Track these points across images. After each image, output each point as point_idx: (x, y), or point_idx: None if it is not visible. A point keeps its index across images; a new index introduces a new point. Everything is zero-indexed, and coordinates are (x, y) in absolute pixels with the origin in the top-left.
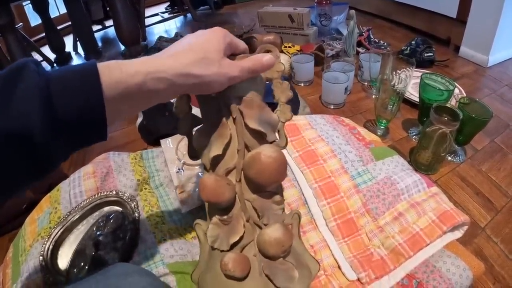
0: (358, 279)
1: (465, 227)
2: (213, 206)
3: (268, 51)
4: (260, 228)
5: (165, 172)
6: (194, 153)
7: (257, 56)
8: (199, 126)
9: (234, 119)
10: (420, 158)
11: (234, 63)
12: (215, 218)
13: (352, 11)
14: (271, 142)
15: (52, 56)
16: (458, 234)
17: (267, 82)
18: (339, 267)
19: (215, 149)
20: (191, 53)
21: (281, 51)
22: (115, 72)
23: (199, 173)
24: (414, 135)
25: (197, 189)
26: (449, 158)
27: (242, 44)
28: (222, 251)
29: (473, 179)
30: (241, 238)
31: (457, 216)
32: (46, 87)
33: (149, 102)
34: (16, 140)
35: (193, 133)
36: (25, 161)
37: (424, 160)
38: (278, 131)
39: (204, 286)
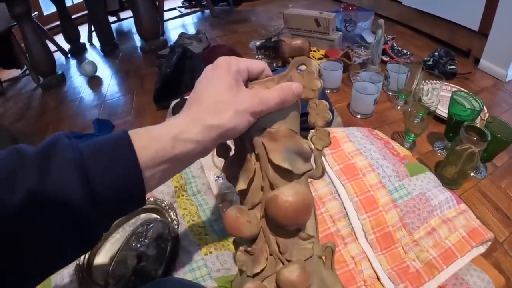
0: None
1: (489, 243)
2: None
3: (302, 64)
4: (283, 263)
5: (202, 178)
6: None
7: (286, 85)
8: (230, 157)
9: (256, 155)
10: (446, 173)
11: (252, 96)
12: (242, 247)
13: (381, 20)
14: (304, 173)
15: (66, 46)
16: (482, 249)
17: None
18: (378, 278)
19: (241, 183)
20: (203, 104)
21: (308, 56)
22: (143, 139)
23: None
24: (439, 149)
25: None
26: (472, 174)
27: (256, 66)
28: (248, 276)
29: (493, 195)
30: (262, 269)
31: (485, 233)
32: (80, 161)
33: (184, 164)
34: (58, 214)
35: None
36: (70, 236)
37: (450, 176)
38: (315, 159)
39: None
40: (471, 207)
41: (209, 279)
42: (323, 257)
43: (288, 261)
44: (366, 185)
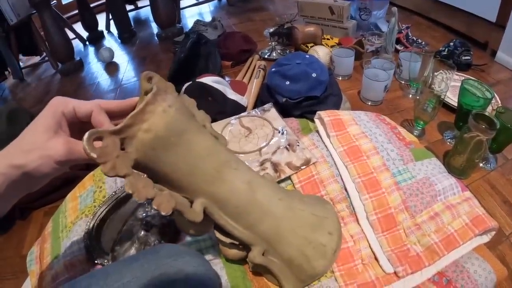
0: (395, 272)
1: (493, 233)
2: None
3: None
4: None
5: None
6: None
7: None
8: None
9: None
10: (454, 162)
11: (63, 145)
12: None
13: (395, 8)
14: None
15: (84, 34)
16: (486, 238)
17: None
18: (376, 258)
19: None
20: (17, 143)
21: (321, 43)
22: None
23: (248, 163)
24: (449, 138)
25: None
26: (481, 165)
27: (84, 107)
28: None
29: (502, 187)
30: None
31: (489, 222)
32: None
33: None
34: None
35: None
36: None
37: (458, 165)
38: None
39: None
40: (478, 198)
41: (212, 251)
42: None
43: None
44: (369, 167)
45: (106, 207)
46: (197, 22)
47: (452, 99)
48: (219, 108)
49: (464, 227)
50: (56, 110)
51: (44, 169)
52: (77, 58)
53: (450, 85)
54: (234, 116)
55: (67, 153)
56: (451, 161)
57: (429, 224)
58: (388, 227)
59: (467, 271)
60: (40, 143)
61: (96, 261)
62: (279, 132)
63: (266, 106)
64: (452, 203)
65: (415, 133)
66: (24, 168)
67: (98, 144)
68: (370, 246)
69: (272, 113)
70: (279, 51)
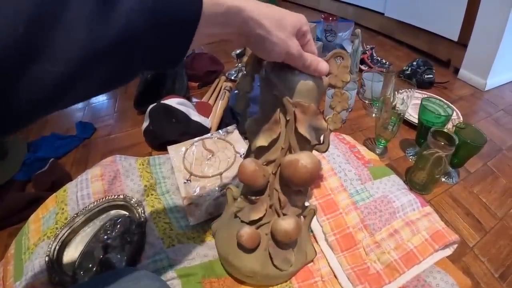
0: None
1: (455, 246)
2: (246, 186)
3: (340, 56)
4: (279, 215)
5: (171, 179)
6: (243, 130)
7: (317, 58)
8: (255, 116)
9: (287, 121)
10: (415, 178)
11: (298, 45)
12: (245, 196)
13: (358, 30)
14: (314, 145)
15: None
16: (448, 251)
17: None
18: (335, 276)
19: (262, 140)
20: (273, 11)
21: None
22: None
23: (209, 188)
24: (411, 155)
25: (205, 203)
26: (443, 179)
27: (311, 46)
28: (242, 221)
29: (465, 200)
30: (260, 218)
31: (448, 236)
32: None
33: (218, 35)
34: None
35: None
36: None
37: (420, 180)
38: (324, 137)
39: (218, 239)
40: (441, 212)
41: (169, 270)
42: (303, 217)
43: (284, 215)
44: (326, 188)
45: (68, 229)
46: None
47: (414, 116)
48: (183, 129)
49: (424, 242)
50: (304, 24)
51: (276, 49)
52: None
53: (411, 103)
54: (197, 138)
55: (298, 54)
56: (413, 177)
57: (388, 242)
58: (348, 246)
59: (429, 285)
60: (289, 31)
61: (57, 284)
62: (241, 155)
63: (230, 128)
64: (412, 219)
65: (377, 151)
66: (268, 34)
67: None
68: (329, 265)
69: (235, 135)
70: (245, 72)
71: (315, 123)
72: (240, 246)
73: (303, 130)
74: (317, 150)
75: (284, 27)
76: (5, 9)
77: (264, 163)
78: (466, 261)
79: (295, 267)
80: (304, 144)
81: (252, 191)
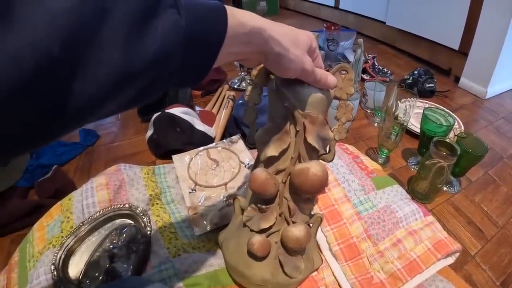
0: None
1: (457, 254)
2: (257, 195)
3: (344, 70)
4: (288, 223)
5: (176, 189)
6: (253, 141)
7: (326, 73)
8: (265, 126)
9: (296, 131)
10: (417, 187)
11: (311, 61)
12: (254, 205)
13: (360, 40)
14: (320, 155)
15: None
16: (451, 260)
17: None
18: (339, 285)
19: (272, 150)
20: (288, 30)
21: None
22: (237, 16)
23: (214, 198)
24: (413, 164)
25: (210, 213)
26: (445, 188)
27: (319, 61)
28: (251, 230)
29: (466, 209)
30: (270, 226)
31: (451, 245)
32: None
33: (239, 54)
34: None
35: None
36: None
37: (422, 190)
38: (330, 146)
39: (226, 249)
40: (443, 221)
41: (175, 279)
42: (311, 224)
43: (293, 222)
44: (330, 199)
45: (74, 238)
46: None
47: (416, 126)
48: (187, 139)
49: (426, 252)
50: (313, 41)
51: (293, 67)
52: None
53: (413, 113)
54: (202, 147)
55: (311, 70)
56: (415, 186)
57: (392, 251)
58: (351, 256)
59: None
60: (303, 48)
61: None
62: (245, 166)
63: (234, 137)
64: (415, 228)
65: (379, 161)
66: (286, 52)
67: None
68: (333, 274)
69: (240, 145)
70: (248, 81)
71: (323, 133)
72: (251, 254)
73: (311, 139)
74: (323, 160)
75: (298, 45)
76: (40, 30)
77: (274, 173)
78: (468, 269)
79: (304, 275)
80: (312, 153)
81: (262, 200)
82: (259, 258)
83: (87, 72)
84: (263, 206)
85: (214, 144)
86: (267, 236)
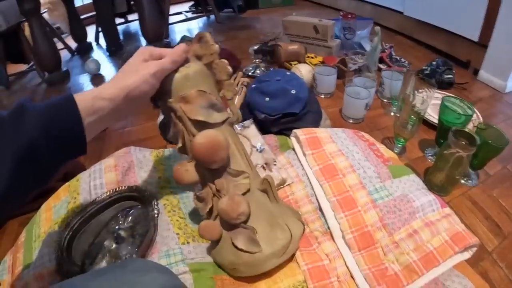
0: None
1: (474, 249)
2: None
3: (200, 38)
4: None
5: None
6: (174, 140)
7: (175, 48)
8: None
9: (177, 116)
10: (434, 179)
11: (151, 62)
12: (194, 196)
13: (378, 28)
14: (223, 121)
15: (73, 45)
16: (467, 255)
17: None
18: (352, 277)
19: (179, 143)
20: (121, 72)
21: (304, 61)
22: (85, 100)
23: None
24: (430, 155)
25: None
26: (462, 181)
27: (165, 51)
28: (203, 218)
29: (484, 203)
30: (211, 209)
31: (469, 238)
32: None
33: (106, 119)
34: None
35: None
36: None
37: (438, 181)
38: (230, 107)
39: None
40: (459, 214)
41: (181, 264)
42: (264, 193)
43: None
44: (345, 185)
45: (80, 218)
46: (184, 37)
47: (433, 116)
48: None
49: (443, 244)
50: (143, 52)
51: (144, 85)
52: (64, 69)
53: (431, 103)
54: None
55: (156, 65)
56: (431, 177)
57: (407, 242)
58: (365, 245)
59: None
60: (135, 69)
61: (65, 274)
62: (257, 150)
63: (246, 122)
64: (431, 220)
65: (395, 151)
66: (127, 89)
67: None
68: (346, 264)
69: (252, 129)
70: (263, 68)
71: (205, 103)
72: (214, 243)
73: (195, 115)
74: (231, 123)
75: (129, 71)
76: None
77: (190, 161)
78: (484, 266)
79: (276, 246)
80: (206, 125)
81: (198, 189)
82: (216, 243)
83: None
84: (197, 194)
85: None
86: (215, 219)
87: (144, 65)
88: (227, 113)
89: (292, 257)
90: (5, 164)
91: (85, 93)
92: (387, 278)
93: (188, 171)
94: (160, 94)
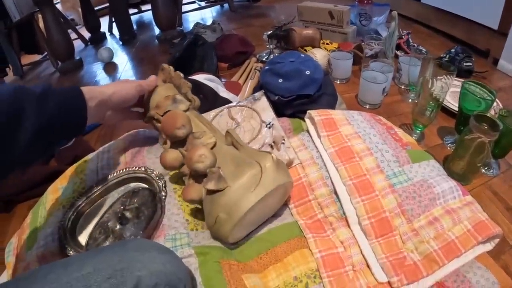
0: (389, 282)
1: (496, 240)
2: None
3: (163, 69)
4: None
5: None
6: None
7: (146, 82)
8: None
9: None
10: (454, 167)
11: (134, 81)
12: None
13: (395, 12)
14: (188, 109)
15: (86, 35)
16: (489, 246)
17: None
18: (368, 266)
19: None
20: (112, 82)
21: (319, 47)
22: (93, 92)
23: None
24: (449, 143)
25: None
26: (483, 170)
27: (141, 81)
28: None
29: (505, 194)
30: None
31: (492, 228)
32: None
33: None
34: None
35: None
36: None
37: (458, 169)
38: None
39: None
40: (480, 204)
41: (187, 247)
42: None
43: None
44: (362, 168)
45: (85, 199)
46: (197, 25)
47: (453, 103)
48: (209, 105)
49: (466, 233)
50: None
51: (126, 93)
52: (77, 58)
53: (450, 91)
54: (225, 106)
55: (139, 83)
56: (451, 165)
57: (427, 230)
58: (383, 232)
59: (468, 281)
60: (125, 81)
61: (68, 254)
62: (266, 125)
63: (257, 94)
64: (453, 207)
65: (414, 137)
66: (115, 88)
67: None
68: (362, 252)
69: (263, 102)
70: (276, 54)
71: (173, 99)
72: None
73: (164, 110)
74: (194, 109)
75: (125, 83)
76: None
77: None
78: (505, 259)
79: (243, 177)
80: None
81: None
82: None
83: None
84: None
85: (235, 102)
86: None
87: (130, 81)
88: (189, 102)
89: (302, 241)
90: (27, 133)
91: (94, 89)
92: (406, 268)
93: (168, 151)
94: (145, 112)
